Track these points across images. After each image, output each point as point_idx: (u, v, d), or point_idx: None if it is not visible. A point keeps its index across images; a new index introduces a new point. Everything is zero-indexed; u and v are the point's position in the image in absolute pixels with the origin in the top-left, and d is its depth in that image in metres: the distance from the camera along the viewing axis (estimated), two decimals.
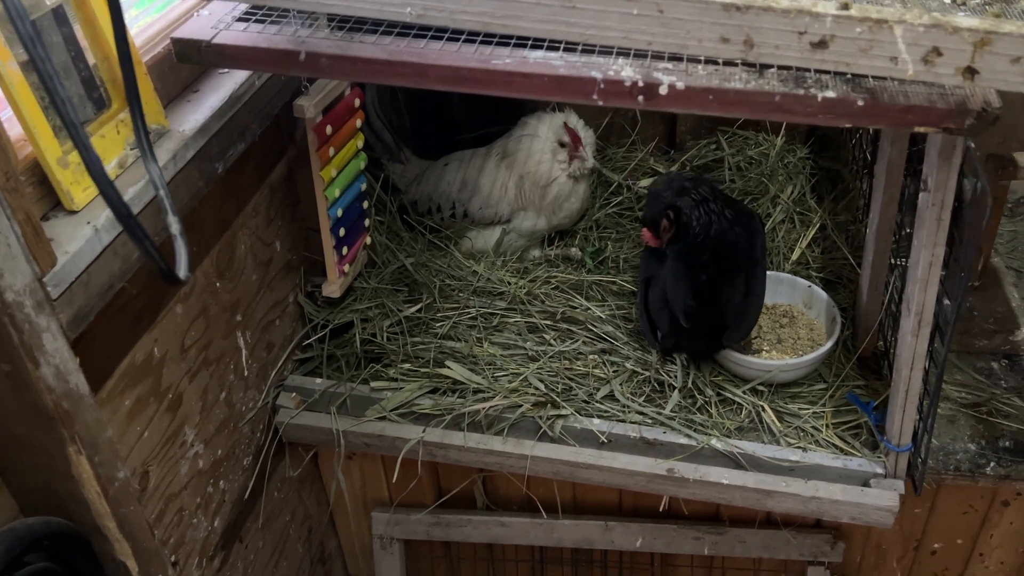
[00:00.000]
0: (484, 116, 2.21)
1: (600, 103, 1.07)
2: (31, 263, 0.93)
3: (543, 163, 1.96)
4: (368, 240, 1.85)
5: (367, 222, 1.84)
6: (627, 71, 1.06)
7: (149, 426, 1.34)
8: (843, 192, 2.05)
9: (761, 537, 1.84)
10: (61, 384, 0.98)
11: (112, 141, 1.11)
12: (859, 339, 1.74)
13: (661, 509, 1.72)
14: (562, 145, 1.96)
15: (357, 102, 1.67)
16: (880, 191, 1.55)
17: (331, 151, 1.60)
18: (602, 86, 1.06)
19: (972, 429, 1.63)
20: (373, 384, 1.73)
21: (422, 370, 1.74)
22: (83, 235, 1.02)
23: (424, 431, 1.65)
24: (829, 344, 1.68)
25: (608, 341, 1.79)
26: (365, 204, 1.81)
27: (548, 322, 1.83)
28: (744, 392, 1.69)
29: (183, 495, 1.46)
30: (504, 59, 1.08)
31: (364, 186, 1.78)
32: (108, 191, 0.73)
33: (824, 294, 1.78)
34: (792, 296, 1.83)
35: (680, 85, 1.04)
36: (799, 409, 1.67)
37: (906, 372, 1.40)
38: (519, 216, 2.01)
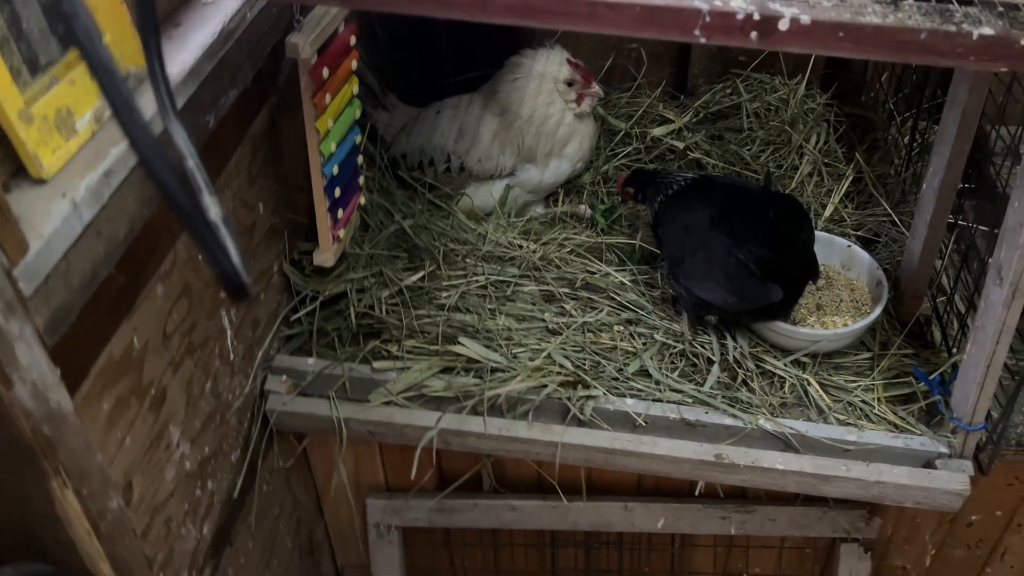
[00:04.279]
0: (475, 54, 1.98)
1: (703, 40, 0.87)
2: None
3: (551, 104, 1.75)
4: (362, 200, 1.62)
5: (361, 180, 1.61)
6: (738, 1, 0.86)
7: (131, 431, 1.12)
8: (874, 142, 1.89)
9: (791, 514, 1.71)
10: (40, 405, 0.76)
11: (85, 88, 0.87)
12: (905, 303, 1.60)
13: (697, 493, 1.58)
14: (569, 84, 1.75)
15: (353, 39, 1.44)
16: (948, 142, 1.39)
17: (327, 98, 1.36)
18: (707, 19, 0.86)
19: None
20: (376, 364, 1.52)
21: (430, 347, 1.54)
22: (59, 212, 0.78)
23: (440, 418, 1.46)
24: (879, 309, 1.54)
25: (633, 310, 1.62)
26: (359, 159, 1.58)
27: (566, 290, 1.64)
28: (786, 364, 1.54)
29: (170, 504, 1.24)
30: None
31: (359, 138, 1.55)
32: (171, 190, 0.50)
33: (866, 255, 1.64)
34: (829, 256, 1.68)
35: (805, 19, 0.85)
36: (845, 382, 1.53)
37: (990, 347, 1.26)
38: (524, 169, 1.80)
